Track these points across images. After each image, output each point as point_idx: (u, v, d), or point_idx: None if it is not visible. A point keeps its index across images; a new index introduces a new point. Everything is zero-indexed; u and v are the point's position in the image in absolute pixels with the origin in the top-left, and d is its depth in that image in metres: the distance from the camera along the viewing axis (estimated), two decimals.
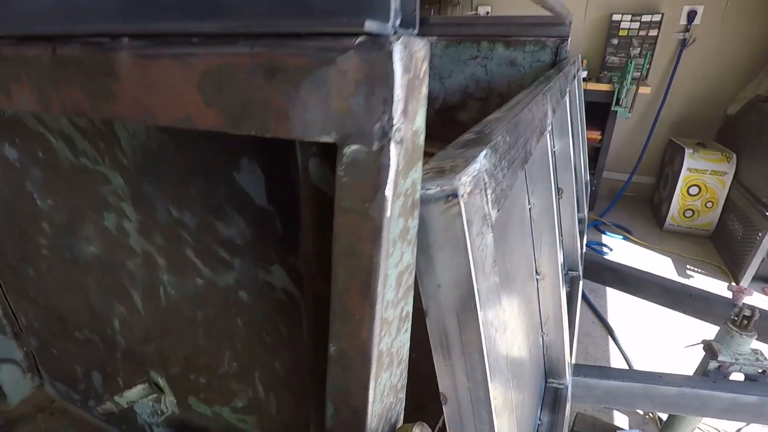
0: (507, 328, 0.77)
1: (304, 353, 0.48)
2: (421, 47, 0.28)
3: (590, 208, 3.94)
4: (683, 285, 1.72)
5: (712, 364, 1.31)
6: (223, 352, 0.56)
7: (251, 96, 0.28)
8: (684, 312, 1.75)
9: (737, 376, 1.31)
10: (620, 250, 3.45)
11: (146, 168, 0.50)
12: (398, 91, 0.25)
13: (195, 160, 0.46)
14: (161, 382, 0.67)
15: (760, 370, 1.27)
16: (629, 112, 3.45)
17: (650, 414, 2.03)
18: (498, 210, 0.48)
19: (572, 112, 1.85)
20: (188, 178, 0.47)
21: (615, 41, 3.86)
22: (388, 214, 0.28)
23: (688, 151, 3.34)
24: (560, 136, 1.47)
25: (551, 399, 1.13)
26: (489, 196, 0.45)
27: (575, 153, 1.93)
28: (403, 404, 0.45)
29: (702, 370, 1.37)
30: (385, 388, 0.36)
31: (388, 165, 0.27)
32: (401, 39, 0.25)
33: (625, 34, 3.84)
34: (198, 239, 0.50)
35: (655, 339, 2.52)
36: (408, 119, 0.28)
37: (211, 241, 0.49)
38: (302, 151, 0.33)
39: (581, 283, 1.64)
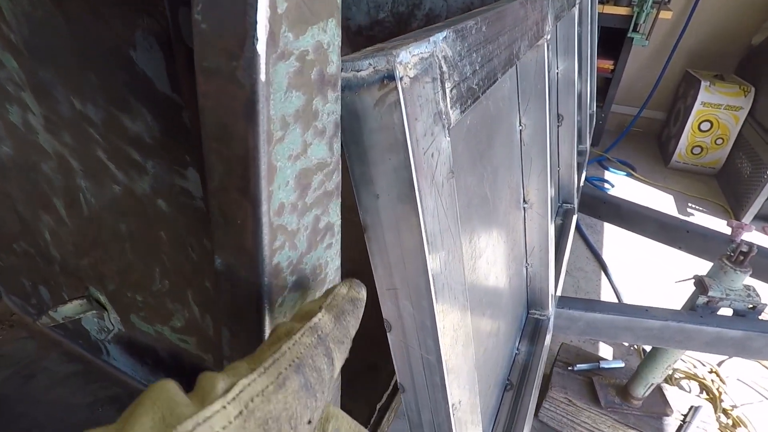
0: (482, 255, 0.71)
1: None
2: None
3: (595, 143, 3.81)
4: (681, 220, 1.65)
5: (701, 299, 1.28)
6: (153, 268, 0.50)
7: None
8: (680, 248, 1.71)
9: (726, 312, 1.29)
10: (622, 186, 3.37)
11: (38, 47, 0.41)
12: None
13: (86, 35, 0.37)
14: (102, 298, 0.62)
15: (750, 306, 1.24)
16: (646, 39, 3.21)
17: (635, 346, 2.05)
18: (462, 111, 0.39)
19: (581, 32, 1.69)
20: (84, 62, 0.39)
21: None
22: (262, 77, 0.20)
23: (704, 84, 3.16)
24: (565, 56, 1.34)
25: (531, 329, 1.10)
26: (447, 89, 0.36)
27: (581, 79, 1.79)
28: None
29: (690, 305, 1.35)
30: (295, 311, 0.29)
31: (256, 0, 0.18)
32: None
33: None
34: (106, 137, 0.42)
35: (650, 275, 2.51)
36: None
37: (119, 140, 0.41)
38: (169, 2, 0.24)
39: (575, 216, 1.58)
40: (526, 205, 0.97)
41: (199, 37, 0.20)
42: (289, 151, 0.23)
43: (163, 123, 0.38)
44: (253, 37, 0.19)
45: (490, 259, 0.76)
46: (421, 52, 0.31)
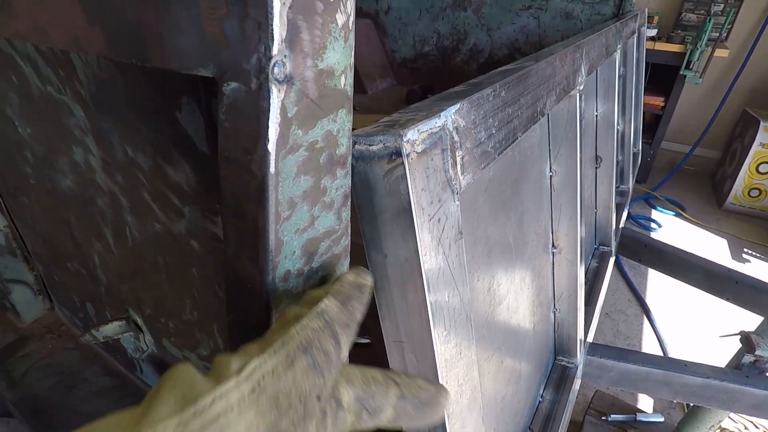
0: (502, 302, 0.72)
1: None
2: None
3: (643, 181, 3.69)
4: (729, 270, 1.57)
5: (747, 358, 1.21)
6: (185, 299, 0.54)
7: (126, 15, 0.24)
8: (727, 299, 1.62)
9: None
10: (671, 227, 3.24)
11: (101, 101, 0.46)
12: (276, 12, 0.20)
13: (141, 95, 0.42)
14: (139, 320, 0.67)
15: None
16: (700, 77, 3.12)
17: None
18: (475, 176, 0.42)
19: (626, 73, 1.68)
20: (138, 116, 0.44)
21: None
22: (272, 169, 0.23)
23: (764, 124, 3.02)
24: (605, 99, 1.33)
25: (557, 377, 1.08)
26: (458, 157, 0.38)
27: (624, 119, 1.77)
28: None
29: (735, 363, 1.28)
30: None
31: (268, 109, 0.21)
32: None
33: None
34: (151, 182, 0.47)
35: (699, 324, 2.38)
36: (302, 53, 0.22)
37: (163, 186, 0.46)
38: (204, 87, 0.28)
39: (612, 259, 1.54)
40: (555, 250, 0.97)
41: (222, 132, 0.23)
42: (296, 226, 0.26)
43: (200, 175, 0.42)
44: (265, 138, 0.22)
45: (511, 306, 0.76)
46: (431, 128, 0.34)
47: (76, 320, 0.90)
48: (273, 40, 0.20)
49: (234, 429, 0.18)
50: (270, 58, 0.20)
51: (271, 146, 0.22)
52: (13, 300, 0.94)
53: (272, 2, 0.19)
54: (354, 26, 0.25)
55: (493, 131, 0.45)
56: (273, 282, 0.26)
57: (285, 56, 0.21)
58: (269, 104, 0.21)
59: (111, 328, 0.64)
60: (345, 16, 0.24)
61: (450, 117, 0.37)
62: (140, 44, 0.24)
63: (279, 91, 0.21)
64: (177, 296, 0.55)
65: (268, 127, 0.22)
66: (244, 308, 0.27)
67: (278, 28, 0.20)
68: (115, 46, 0.25)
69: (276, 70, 0.21)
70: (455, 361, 0.42)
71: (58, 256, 0.77)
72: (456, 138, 0.38)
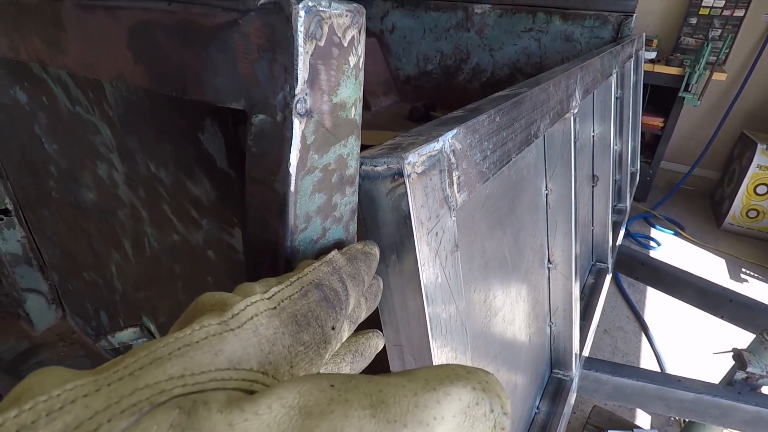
0: (498, 314, 0.75)
1: None
2: (341, 12, 0.26)
3: (643, 200, 3.73)
4: (723, 288, 1.60)
5: (740, 374, 1.24)
6: None
7: (169, 55, 0.28)
8: (722, 318, 1.64)
9: None
10: (669, 246, 3.26)
11: (128, 121, 0.50)
12: (301, 59, 0.24)
13: (166, 118, 0.46)
14: (152, 327, 0.70)
15: None
16: (698, 99, 3.18)
17: (675, 417, 1.95)
18: (470, 194, 0.45)
19: (623, 95, 1.73)
20: (162, 135, 0.48)
21: (693, 20, 3.53)
22: (292, 188, 0.27)
23: (761, 147, 3.07)
24: (601, 121, 1.38)
25: (553, 389, 1.10)
26: (455, 177, 0.42)
27: (622, 140, 1.81)
28: None
29: (728, 379, 1.30)
30: None
31: (291, 138, 0.25)
32: (304, 2, 0.23)
33: (707, 12, 3.50)
34: (172, 196, 0.51)
35: (696, 341, 2.39)
36: (320, 90, 0.26)
37: (183, 199, 0.50)
38: (232, 117, 0.32)
39: (609, 276, 1.57)
40: (550, 266, 1.00)
41: (250, 156, 0.27)
42: (310, 237, 0.30)
43: (219, 190, 0.46)
44: (288, 162, 0.26)
45: (507, 317, 0.79)
46: (429, 152, 0.38)
47: (88, 329, 0.94)
48: (297, 81, 0.24)
49: (264, 331, 0.21)
50: (294, 96, 0.24)
51: (293, 169, 0.26)
52: (27, 308, 0.97)
53: (298, 50, 0.24)
54: (363, 65, 0.29)
55: (488, 153, 0.49)
56: None
57: (306, 94, 0.25)
58: (292, 134, 0.25)
59: (126, 334, 0.68)
60: (356, 57, 0.28)
61: (447, 141, 0.41)
62: (180, 80, 0.28)
63: (300, 123, 0.25)
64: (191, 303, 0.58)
65: (290, 153, 0.26)
66: None
67: (302, 72, 0.24)
68: (157, 80, 0.29)
69: (299, 105, 0.25)
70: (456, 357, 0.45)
71: (75, 265, 0.80)
72: (453, 160, 0.42)
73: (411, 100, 2.76)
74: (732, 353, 1.25)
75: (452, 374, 0.18)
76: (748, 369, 1.18)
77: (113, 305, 0.76)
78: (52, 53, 0.36)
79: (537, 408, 1.04)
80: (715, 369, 2.18)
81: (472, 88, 2.62)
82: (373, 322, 0.42)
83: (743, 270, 3.03)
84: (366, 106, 2.50)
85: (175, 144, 0.47)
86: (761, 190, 3.16)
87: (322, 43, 0.25)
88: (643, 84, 2.49)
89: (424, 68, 2.76)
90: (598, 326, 2.49)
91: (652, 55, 3.32)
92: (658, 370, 2.19)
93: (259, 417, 0.16)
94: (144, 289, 0.66)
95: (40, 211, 0.79)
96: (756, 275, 2.98)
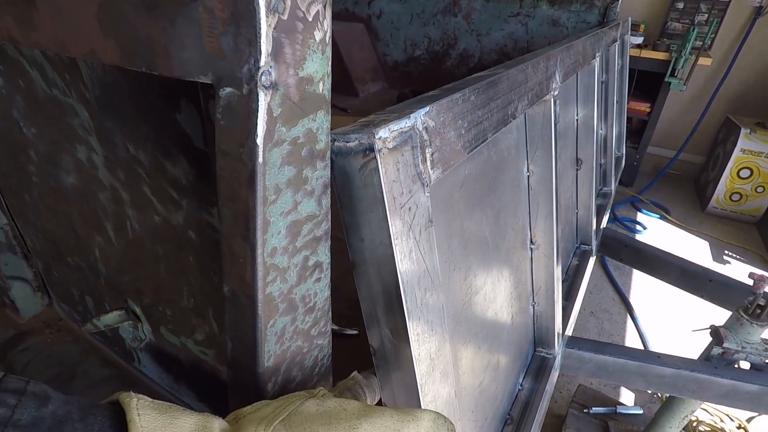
0: (479, 292, 0.77)
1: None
2: None
3: (629, 184, 3.77)
4: (704, 268, 1.64)
5: (716, 350, 1.27)
6: (182, 287, 0.58)
7: (138, 31, 0.28)
8: (702, 297, 1.69)
9: (746, 365, 1.27)
10: (655, 229, 3.31)
11: (105, 103, 0.51)
12: (263, 32, 0.25)
13: (143, 98, 0.46)
14: (137, 310, 0.71)
15: (767, 361, 1.22)
16: (684, 84, 3.20)
17: (657, 393, 2.00)
18: (444, 170, 0.46)
19: (608, 79, 1.74)
20: (139, 116, 0.48)
21: (680, 5, 3.54)
22: (260, 160, 0.27)
23: (744, 131, 3.11)
24: (585, 104, 1.39)
25: (537, 367, 1.13)
26: (428, 154, 0.43)
27: (607, 124, 1.83)
28: (328, 351, 0.46)
29: (706, 355, 1.34)
30: (287, 331, 0.36)
31: (257, 110, 0.26)
32: None
33: None
34: (151, 177, 0.51)
35: (679, 321, 2.45)
36: (285, 63, 0.27)
37: (162, 180, 0.50)
38: (202, 91, 0.33)
39: (593, 258, 1.59)
40: (533, 246, 1.02)
41: (218, 129, 0.28)
42: (281, 209, 0.31)
43: (197, 170, 0.46)
44: (254, 134, 0.26)
45: (488, 296, 0.81)
46: (401, 128, 0.39)
47: (74, 314, 0.94)
48: (261, 53, 0.25)
49: None
50: (258, 68, 0.25)
51: (260, 140, 0.27)
52: (12, 296, 0.97)
53: (260, 23, 0.24)
54: (331, 41, 0.30)
55: (463, 131, 0.50)
56: (262, 256, 0.30)
57: (271, 67, 0.26)
58: (258, 106, 0.26)
59: (111, 317, 0.68)
60: (322, 32, 0.29)
61: (420, 118, 0.42)
62: (149, 55, 0.29)
63: (266, 95, 0.26)
64: (174, 284, 0.59)
65: (257, 124, 0.26)
66: (238, 279, 0.32)
67: (265, 45, 0.25)
68: (127, 56, 0.30)
69: (263, 78, 0.25)
70: (427, 336, 0.46)
71: (58, 251, 0.80)
72: (426, 137, 0.43)
73: (399, 86, 2.75)
74: (710, 330, 1.29)
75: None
76: (725, 344, 1.22)
77: (98, 289, 0.77)
78: (24, 30, 0.36)
79: (520, 385, 1.07)
80: (695, 346, 2.23)
81: (460, 74, 2.62)
82: (351, 293, 0.43)
83: (726, 252, 3.09)
84: (354, 93, 2.49)
85: (152, 125, 0.48)
86: (744, 173, 3.21)
87: (285, 17, 0.26)
88: (630, 69, 2.51)
89: (412, 54, 2.75)
90: (584, 309, 2.53)
91: (639, 40, 3.33)
92: (642, 348, 2.24)
93: None
94: (128, 272, 0.66)
95: (21, 196, 0.78)
96: (738, 257, 3.04)
